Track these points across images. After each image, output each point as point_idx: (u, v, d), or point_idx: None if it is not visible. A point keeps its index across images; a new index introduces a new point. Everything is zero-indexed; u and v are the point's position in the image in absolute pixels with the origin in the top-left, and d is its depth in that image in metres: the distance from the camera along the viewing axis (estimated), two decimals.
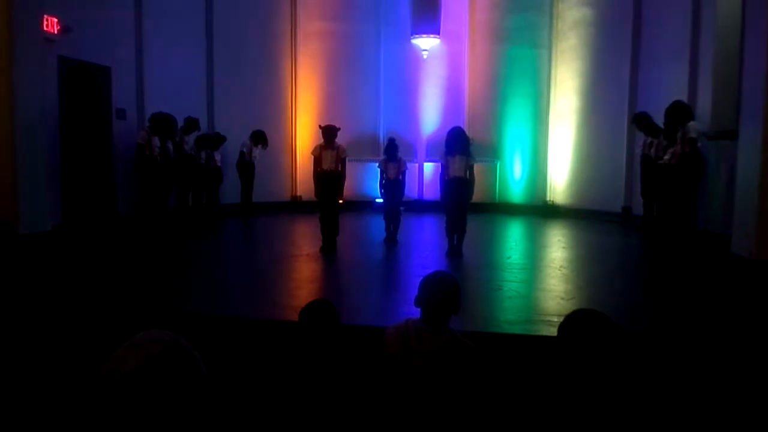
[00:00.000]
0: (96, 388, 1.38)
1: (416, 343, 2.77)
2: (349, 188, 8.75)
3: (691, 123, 7.73)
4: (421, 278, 2.95)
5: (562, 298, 5.25)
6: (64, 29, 8.52)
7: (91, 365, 3.55)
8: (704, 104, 8.43)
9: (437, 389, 2.71)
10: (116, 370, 1.36)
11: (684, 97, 8.53)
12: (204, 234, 9.52)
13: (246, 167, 11.40)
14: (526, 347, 3.88)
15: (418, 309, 2.91)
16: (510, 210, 12.12)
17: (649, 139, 9.13)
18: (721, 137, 7.86)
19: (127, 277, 6.02)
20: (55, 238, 8.04)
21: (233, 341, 4.11)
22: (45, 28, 8.24)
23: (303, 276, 6.41)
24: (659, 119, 8.54)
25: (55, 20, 8.38)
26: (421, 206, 12.01)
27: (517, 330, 4.30)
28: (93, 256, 7.27)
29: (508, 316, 4.70)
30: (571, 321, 2.31)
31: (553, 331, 4.06)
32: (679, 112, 7.84)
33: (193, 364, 1.44)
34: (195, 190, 10.69)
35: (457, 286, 2.88)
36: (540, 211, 11.96)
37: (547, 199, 12.35)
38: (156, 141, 9.52)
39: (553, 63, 12.12)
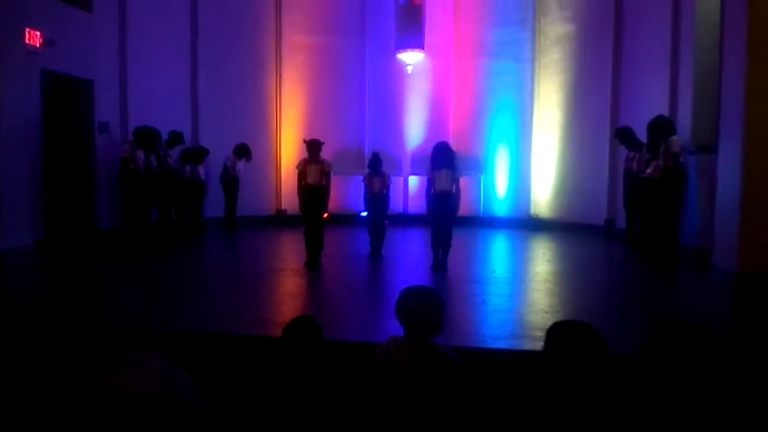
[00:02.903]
0: (100, 411, 1.36)
1: (396, 357, 2.79)
2: (333, 202, 8.74)
3: (674, 137, 7.81)
4: (400, 292, 2.96)
5: (546, 312, 5.26)
6: (47, 42, 8.46)
7: (71, 383, 3.49)
8: (684, 119, 8.54)
9: (418, 399, 2.70)
10: (123, 394, 1.34)
11: (665, 112, 8.64)
12: (187, 248, 9.45)
13: (230, 181, 11.37)
14: (511, 362, 3.87)
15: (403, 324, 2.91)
16: (494, 223, 12.16)
17: (632, 153, 9.22)
18: (701, 151, 7.95)
19: (107, 294, 5.96)
20: (35, 253, 7.94)
21: (216, 358, 4.07)
22: (27, 41, 8.18)
23: (287, 291, 6.37)
24: (641, 133, 8.64)
25: (38, 33, 8.32)
26: (406, 220, 12.02)
27: (501, 345, 4.30)
28: (73, 271, 7.18)
29: (493, 331, 4.70)
30: (559, 332, 2.32)
31: (537, 346, 4.08)
32: (662, 126, 7.93)
33: (188, 385, 1.44)
34: (179, 204, 10.62)
35: (435, 301, 2.87)
36: (524, 224, 12.01)
37: (531, 212, 12.42)
38: (140, 154, 9.44)
39: (536, 77, 12.24)
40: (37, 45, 8.35)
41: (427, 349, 2.76)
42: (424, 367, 2.71)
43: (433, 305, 2.84)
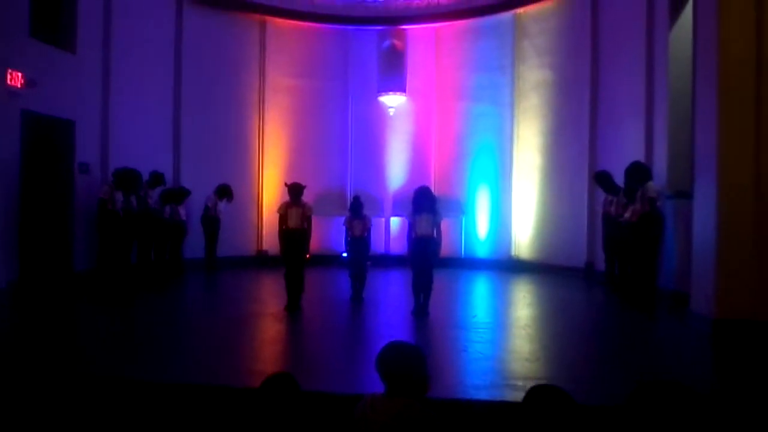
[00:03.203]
0: None
1: (372, 414, 2.74)
2: (315, 243, 8.72)
3: (650, 183, 7.96)
4: (381, 348, 2.92)
5: (528, 360, 5.25)
6: (29, 83, 8.45)
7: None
8: (660, 164, 8.71)
9: None
10: None
11: (641, 157, 8.81)
12: (165, 290, 9.31)
13: (210, 221, 11.31)
14: (492, 415, 3.84)
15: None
16: (475, 265, 12.19)
17: (610, 197, 9.35)
18: (677, 196, 8.10)
19: (81, 340, 5.83)
20: (8, 296, 7.78)
21: (193, 410, 3.98)
22: (9, 82, 8.18)
23: (267, 337, 6.29)
24: (619, 177, 8.79)
25: (20, 74, 8.33)
26: (387, 261, 12.00)
27: (482, 395, 4.27)
28: (46, 315, 7.02)
29: (474, 380, 4.66)
30: (534, 398, 2.31)
31: (518, 396, 4.05)
32: (638, 172, 8.07)
33: None
34: (158, 245, 10.51)
35: (415, 359, 2.81)
36: (505, 266, 12.05)
37: (512, 253, 12.48)
38: (119, 196, 9.38)
39: (516, 121, 12.45)
40: (19, 86, 8.34)
41: (405, 407, 2.71)
42: (400, 426, 2.66)
43: (414, 364, 2.77)
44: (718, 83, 6.40)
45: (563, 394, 2.29)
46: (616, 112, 10.24)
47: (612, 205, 9.21)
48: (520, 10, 12.23)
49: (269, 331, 6.55)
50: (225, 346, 5.72)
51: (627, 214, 8.29)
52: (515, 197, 12.49)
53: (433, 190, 8.03)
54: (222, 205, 11.39)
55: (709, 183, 6.54)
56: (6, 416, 3.90)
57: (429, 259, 7.28)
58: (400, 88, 12.78)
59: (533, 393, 2.32)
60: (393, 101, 12.81)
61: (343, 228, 8.64)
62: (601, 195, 9.84)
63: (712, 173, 6.47)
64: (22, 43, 8.48)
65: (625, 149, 9.45)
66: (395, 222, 12.72)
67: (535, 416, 2.23)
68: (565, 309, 8.18)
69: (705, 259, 6.54)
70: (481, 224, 12.75)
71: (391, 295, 9.40)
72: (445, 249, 8.86)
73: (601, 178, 9.55)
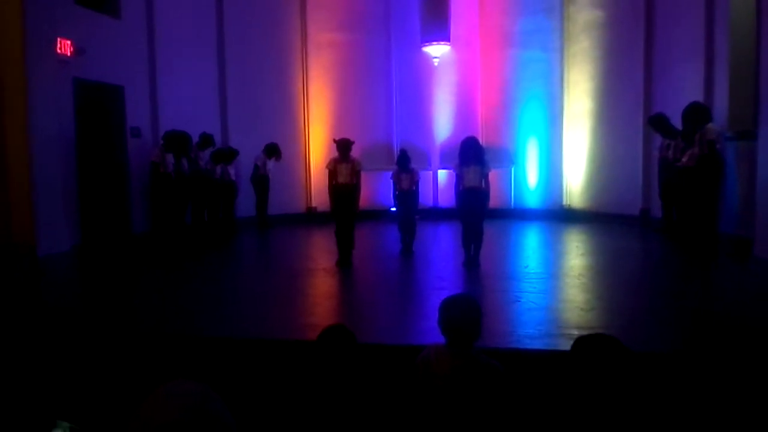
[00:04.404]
0: None
1: (437, 367, 2.78)
2: (364, 198, 8.72)
3: (710, 125, 7.60)
4: (441, 301, 2.93)
5: (582, 309, 5.17)
6: (78, 51, 8.61)
7: (107, 394, 3.53)
8: (721, 104, 8.29)
9: (460, 411, 2.69)
10: (148, 424, 1.33)
11: (700, 98, 8.40)
12: (220, 250, 9.55)
13: (260, 180, 11.45)
14: (548, 363, 3.81)
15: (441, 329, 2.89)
16: (526, 215, 12.02)
17: (667, 141, 9.01)
18: (740, 138, 7.72)
19: (143, 300, 6.04)
20: (73, 259, 8.11)
21: (252, 365, 4.09)
22: (59, 51, 8.34)
23: (319, 292, 6.38)
24: (675, 120, 8.43)
25: (69, 42, 8.48)
26: (436, 214, 11.97)
27: (537, 345, 4.24)
28: (109, 277, 7.30)
29: (528, 330, 4.63)
30: (582, 347, 2.27)
31: None
32: (697, 113, 7.71)
33: (222, 415, 1.42)
34: (211, 206, 10.74)
35: (476, 310, 2.84)
36: (557, 216, 11.85)
37: (564, 203, 12.25)
38: (170, 158, 9.58)
39: (566, 66, 12.04)
40: (69, 54, 8.51)
41: (469, 359, 2.75)
42: (465, 377, 2.70)
43: (475, 314, 2.83)
44: None
45: (612, 340, 2.23)
46: (672, 51, 9.75)
47: (669, 149, 8.88)
48: None
49: (322, 285, 6.64)
50: (280, 302, 5.83)
51: (684, 159, 7.96)
52: (566, 145, 12.17)
53: (480, 141, 7.89)
54: (271, 164, 11.50)
55: None
56: (72, 372, 4.09)
57: (478, 211, 7.19)
58: (444, 37, 12.46)
59: (580, 342, 2.28)
60: (437, 51, 12.52)
61: (391, 182, 8.61)
62: (657, 139, 9.48)
63: None
64: (68, 10, 8.60)
65: (682, 90, 9.01)
66: (443, 174, 12.60)
67: (584, 365, 2.19)
68: (621, 257, 8.00)
69: None
70: (531, 174, 12.52)
71: (441, 248, 9.39)
72: (495, 200, 8.74)
73: (657, 122, 9.19)
